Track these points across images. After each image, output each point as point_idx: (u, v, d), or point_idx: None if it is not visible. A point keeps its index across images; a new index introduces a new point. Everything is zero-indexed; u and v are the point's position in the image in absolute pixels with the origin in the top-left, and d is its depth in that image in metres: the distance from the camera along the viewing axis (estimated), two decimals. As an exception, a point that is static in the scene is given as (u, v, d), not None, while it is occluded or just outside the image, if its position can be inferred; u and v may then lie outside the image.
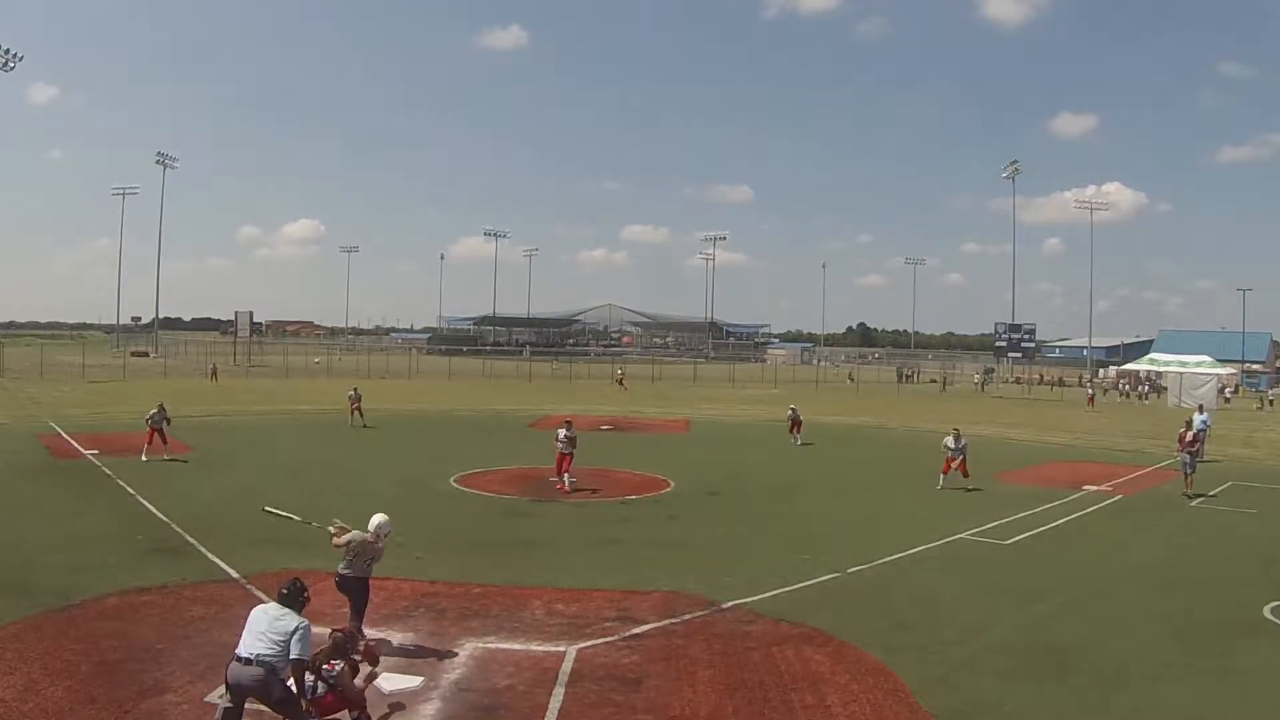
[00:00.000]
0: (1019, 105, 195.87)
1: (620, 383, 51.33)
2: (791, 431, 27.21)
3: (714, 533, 14.23)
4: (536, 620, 9.46)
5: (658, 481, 18.90)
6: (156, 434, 20.43)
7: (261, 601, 9.52)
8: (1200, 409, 27.00)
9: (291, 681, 6.29)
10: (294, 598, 6.46)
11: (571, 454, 17.74)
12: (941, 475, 18.87)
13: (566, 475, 17.57)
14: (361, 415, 28.23)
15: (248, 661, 6.13)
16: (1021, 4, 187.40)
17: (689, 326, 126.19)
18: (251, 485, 17.19)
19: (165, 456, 20.09)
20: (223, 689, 6.42)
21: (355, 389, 29.70)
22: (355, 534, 8.41)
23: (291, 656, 6.19)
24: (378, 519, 8.56)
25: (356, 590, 8.28)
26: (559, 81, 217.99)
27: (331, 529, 8.60)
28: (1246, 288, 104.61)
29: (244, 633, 6.28)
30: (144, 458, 19.81)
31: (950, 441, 19.03)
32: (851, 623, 9.55)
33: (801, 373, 74.98)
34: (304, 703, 6.31)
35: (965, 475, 18.76)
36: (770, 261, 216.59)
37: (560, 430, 18.02)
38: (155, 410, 20.64)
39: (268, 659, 6.12)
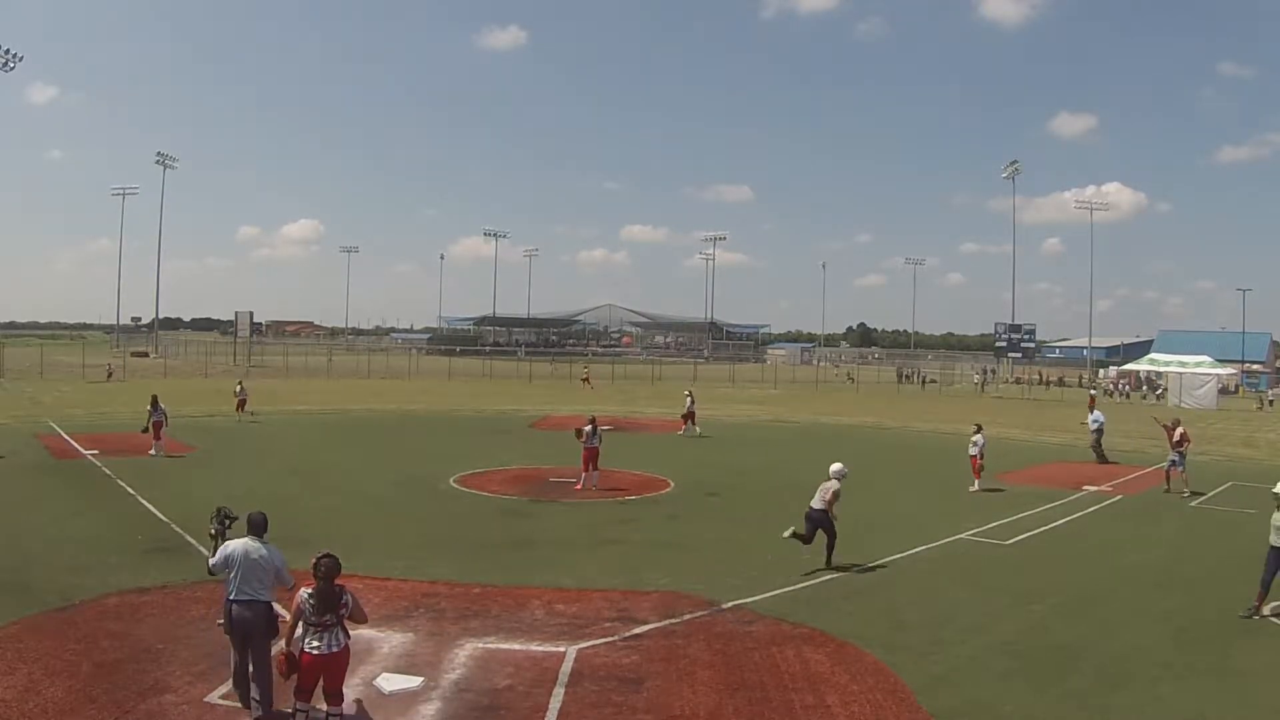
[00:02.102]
0: (1018, 105, 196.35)
1: (585, 380, 51.54)
2: (686, 422, 27.38)
3: (714, 533, 14.23)
4: (536, 620, 9.46)
5: (658, 481, 18.89)
6: (156, 428, 20.74)
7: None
8: (1092, 407, 26.99)
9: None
10: (264, 527, 7.20)
11: (595, 449, 17.99)
12: (975, 479, 18.80)
13: (585, 474, 17.85)
14: (242, 410, 29.37)
15: (253, 603, 6.93)
16: (1020, 4, 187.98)
17: (689, 326, 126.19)
18: (252, 485, 17.19)
19: (153, 453, 20.37)
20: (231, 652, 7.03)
21: (242, 384, 31.45)
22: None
23: (284, 585, 7.17)
24: (835, 466, 12.09)
25: (823, 521, 11.83)
26: (559, 81, 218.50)
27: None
28: (1246, 288, 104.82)
29: (237, 579, 6.93)
30: (153, 452, 20.26)
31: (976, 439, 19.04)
32: (851, 623, 9.56)
33: (801, 373, 74.99)
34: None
35: (975, 475, 18.76)
36: (770, 261, 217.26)
37: (586, 428, 18.16)
38: (151, 407, 20.98)
39: (266, 597, 7.03)
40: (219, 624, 7.61)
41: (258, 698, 6.82)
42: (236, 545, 7.12)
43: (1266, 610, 10.24)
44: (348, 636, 6.57)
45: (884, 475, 21.40)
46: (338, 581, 6.55)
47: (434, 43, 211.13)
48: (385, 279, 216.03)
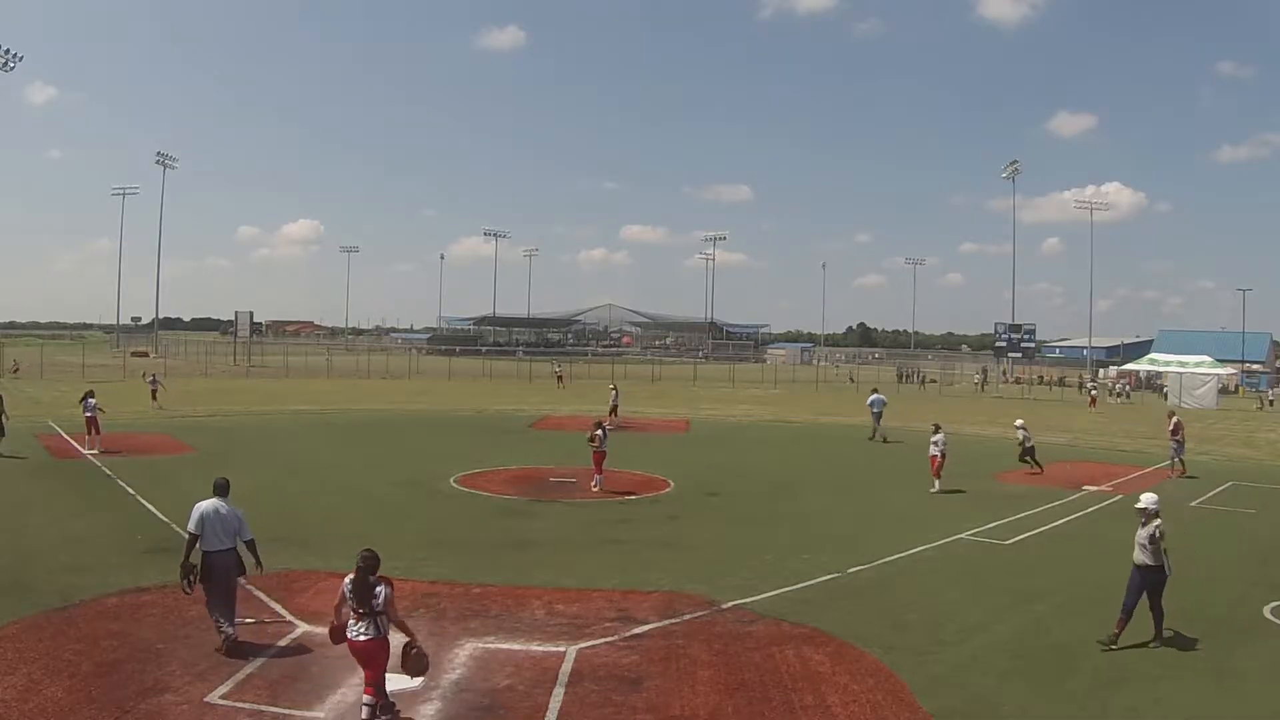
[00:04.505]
0: (1018, 105, 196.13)
1: (559, 379, 51.63)
2: (611, 416, 27.83)
3: (714, 533, 14.23)
4: (536, 620, 9.46)
5: (658, 481, 18.89)
6: (92, 424, 21.22)
7: (259, 599, 9.65)
8: (875, 390, 29.57)
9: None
10: (226, 490, 8.59)
11: (604, 452, 17.92)
12: (934, 479, 18.50)
13: (599, 475, 17.79)
14: (156, 398, 31.99)
15: (227, 551, 8.34)
16: (1019, 4, 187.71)
17: (689, 326, 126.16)
18: (251, 485, 17.14)
19: (96, 450, 20.63)
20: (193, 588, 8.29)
21: (155, 375, 35.21)
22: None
23: (245, 539, 8.50)
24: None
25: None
26: (558, 81, 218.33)
27: None
28: (1246, 288, 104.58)
29: (209, 531, 8.28)
30: (92, 450, 20.60)
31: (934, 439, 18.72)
32: (851, 623, 9.56)
33: (801, 373, 74.98)
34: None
35: (937, 477, 18.43)
36: (770, 261, 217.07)
37: (596, 430, 18.06)
38: (86, 399, 21.63)
39: (233, 544, 8.40)
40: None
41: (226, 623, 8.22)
42: (206, 506, 8.39)
43: (1267, 611, 10.24)
44: (384, 631, 6.87)
45: (884, 475, 21.41)
46: (378, 575, 6.91)
47: (434, 43, 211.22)
48: (385, 279, 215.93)
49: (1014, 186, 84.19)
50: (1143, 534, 9.19)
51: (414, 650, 7.09)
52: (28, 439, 22.74)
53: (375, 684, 6.87)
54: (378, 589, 6.83)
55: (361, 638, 6.81)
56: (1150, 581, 9.11)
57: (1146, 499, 9.44)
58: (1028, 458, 20.28)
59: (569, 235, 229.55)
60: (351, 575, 6.90)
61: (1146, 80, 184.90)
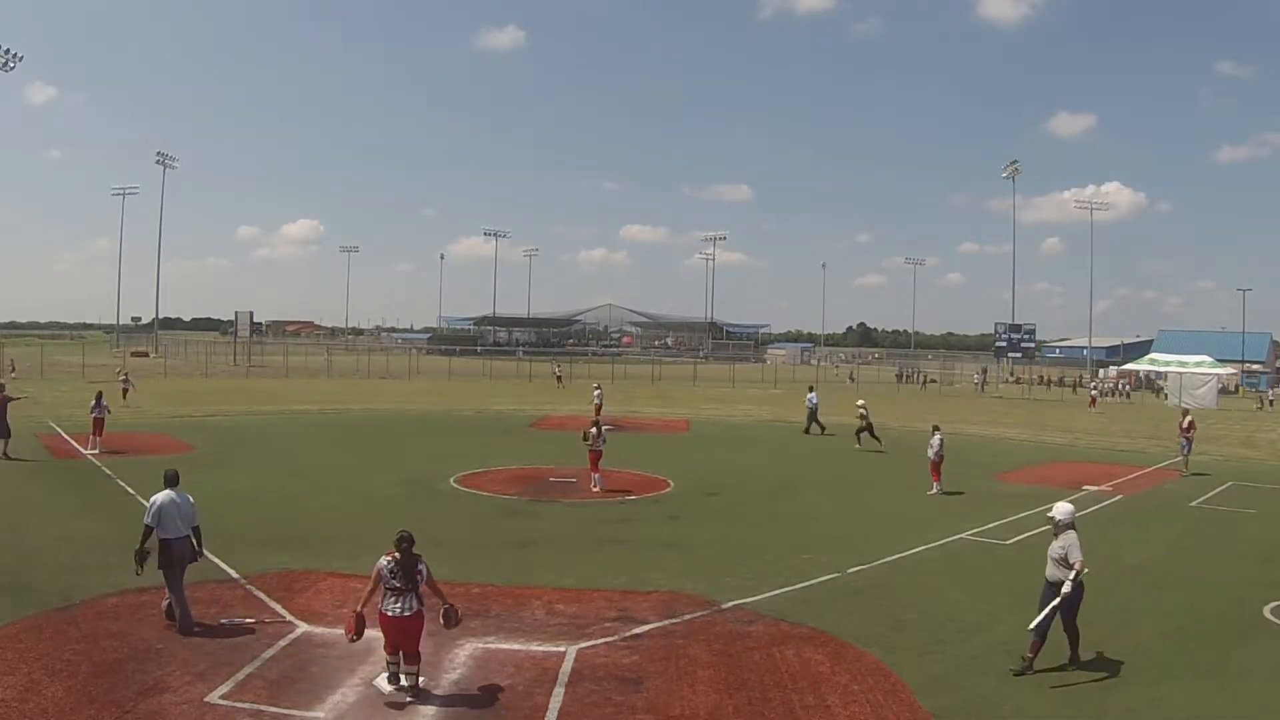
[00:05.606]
0: (1018, 105, 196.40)
1: (559, 380, 51.71)
2: (597, 414, 28.23)
3: (714, 533, 14.22)
4: (536, 620, 9.46)
5: (658, 481, 18.89)
6: (98, 424, 21.29)
7: (259, 599, 9.67)
8: (811, 389, 31.55)
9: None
10: (176, 480, 9.08)
11: (599, 451, 17.87)
12: (933, 481, 18.30)
13: (596, 474, 17.73)
14: (126, 397, 32.39)
15: (184, 538, 8.91)
16: (1019, 4, 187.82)
17: (689, 326, 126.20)
18: (251, 485, 17.20)
19: (96, 450, 20.67)
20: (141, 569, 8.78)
21: (127, 374, 35.88)
22: None
23: (193, 524, 9.08)
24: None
25: None
26: (558, 81, 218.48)
27: None
28: (1246, 288, 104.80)
29: (167, 520, 8.79)
30: (93, 450, 20.63)
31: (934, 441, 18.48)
32: (851, 623, 9.56)
33: (801, 373, 74.95)
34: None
35: (936, 479, 18.23)
36: (770, 261, 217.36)
37: (591, 429, 18.00)
38: (95, 402, 21.72)
39: (187, 532, 8.98)
40: (221, 622, 8.82)
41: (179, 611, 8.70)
42: (162, 498, 8.89)
43: (1267, 611, 10.22)
44: (421, 604, 7.35)
45: (884, 475, 21.41)
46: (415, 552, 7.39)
47: (434, 43, 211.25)
48: (385, 279, 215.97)
49: (1014, 186, 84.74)
50: (1055, 547, 8.37)
51: (450, 608, 7.66)
52: (28, 439, 22.73)
53: (413, 655, 7.35)
54: (419, 565, 7.35)
55: (406, 614, 7.26)
56: (1064, 599, 8.23)
57: (1060, 509, 8.59)
58: (862, 435, 21.01)
59: (569, 235, 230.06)
60: (391, 556, 7.31)
61: (1146, 80, 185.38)
